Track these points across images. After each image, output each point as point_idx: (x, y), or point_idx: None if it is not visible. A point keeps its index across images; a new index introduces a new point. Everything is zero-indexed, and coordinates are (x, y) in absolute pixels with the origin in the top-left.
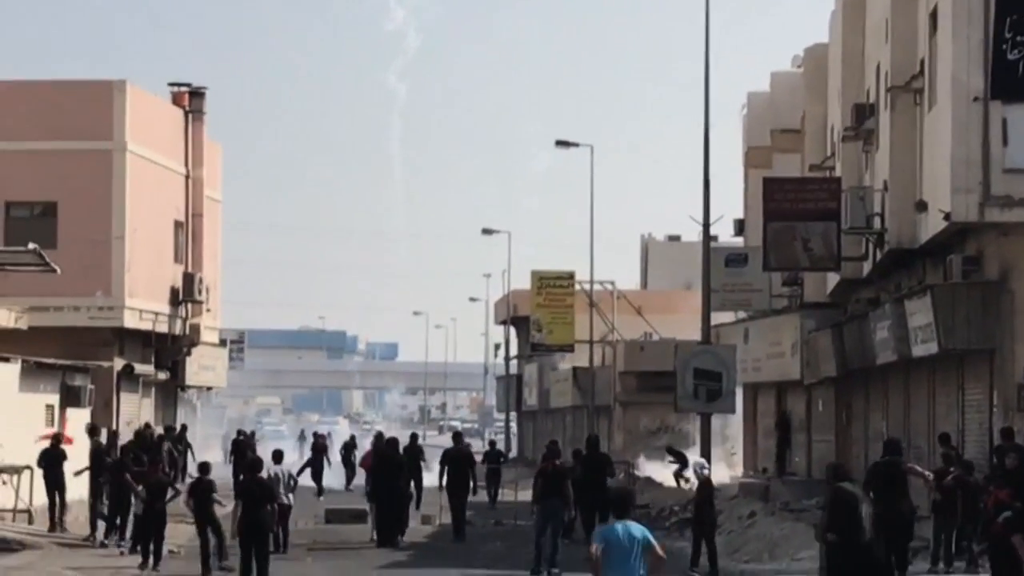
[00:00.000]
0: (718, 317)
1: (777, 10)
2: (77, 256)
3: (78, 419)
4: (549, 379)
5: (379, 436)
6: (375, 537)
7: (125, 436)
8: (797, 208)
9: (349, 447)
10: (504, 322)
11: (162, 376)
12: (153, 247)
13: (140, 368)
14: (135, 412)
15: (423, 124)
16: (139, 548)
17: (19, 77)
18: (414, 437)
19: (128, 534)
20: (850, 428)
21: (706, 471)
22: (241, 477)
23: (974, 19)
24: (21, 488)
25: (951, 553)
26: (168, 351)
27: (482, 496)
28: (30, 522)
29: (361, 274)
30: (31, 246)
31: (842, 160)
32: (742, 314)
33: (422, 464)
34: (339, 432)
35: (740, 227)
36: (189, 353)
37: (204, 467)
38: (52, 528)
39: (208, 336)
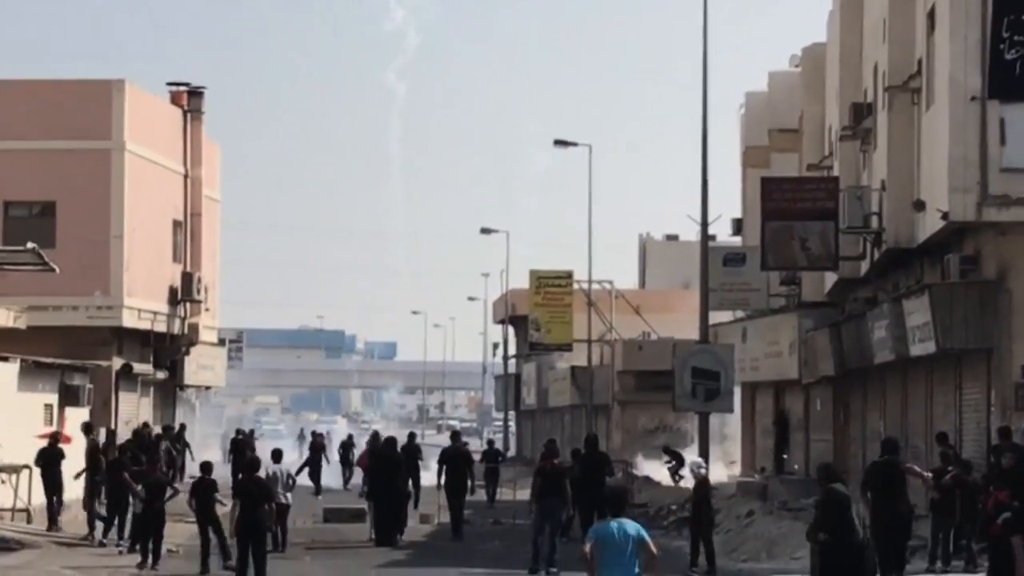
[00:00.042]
0: (716, 316)
1: (775, 10)
2: (76, 255)
3: (77, 418)
4: (547, 378)
5: (375, 435)
6: (373, 536)
7: (123, 435)
8: (795, 208)
9: (347, 446)
10: (502, 321)
11: (161, 375)
12: (152, 246)
13: (139, 367)
14: (134, 411)
15: (422, 124)
16: (138, 547)
17: (18, 76)
18: (412, 436)
19: (127, 533)
20: (848, 427)
21: (703, 470)
22: (240, 476)
23: (972, 19)
24: (20, 487)
25: (948, 552)
26: (167, 350)
27: (480, 495)
28: (29, 521)
29: (360, 273)
30: (30, 245)
31: (840, 160)
32: (740, 313)
33: (420, 463)
34: (338, 431)
35: (738, 226)
36: (188, 352)
37: (206, 466)
38: (49, 527)
39: (207, 335)
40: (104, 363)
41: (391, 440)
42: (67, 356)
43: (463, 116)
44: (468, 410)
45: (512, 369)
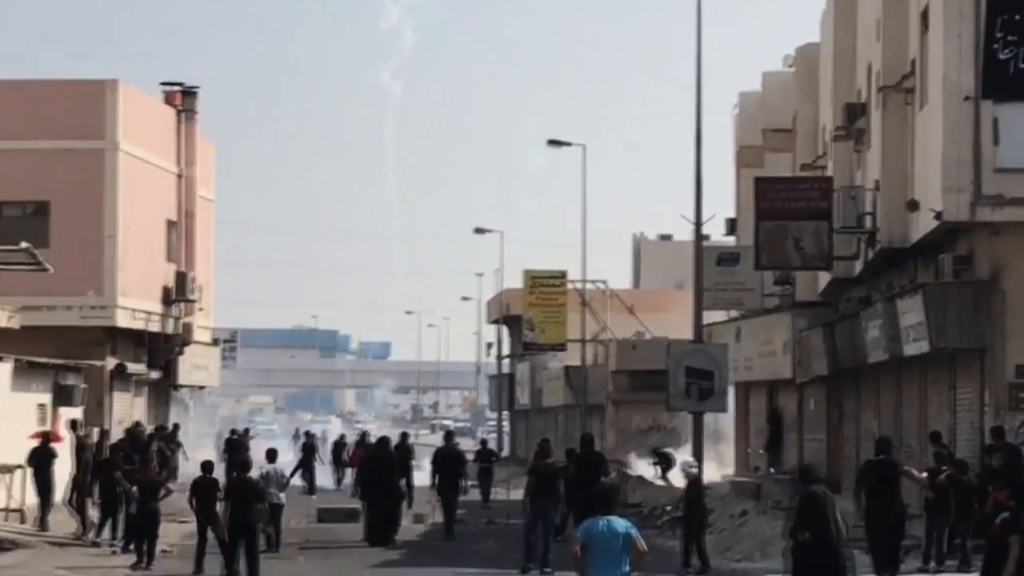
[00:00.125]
0: (710, 316)
1: (768, 10)
2: (69, 255)
3: (70, 418)
4: (541, 378)
5: (364, 435)
6: (367, 536)
7: (117, 436)
8: (789, 207)
9: (339, 446)
10: (497, 321)
11: (155, 375)
12: (145, 246)
13: (132, 367)
14: (127, 411)
15: (416, 123)
16: (132, 547)
17: (11, 76)
18: (404, 436)
19: (120, 533)
20: (841, 427)
21: (694, 470)
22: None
23: (965, 19)
24: (13, 487)
25: (943, 552)
26: (161, 350)
27: (474, 495)
28: (22, 521)
29: (354, 273)
30: (23, 245)
31: (833, 159)
32: (734, 313)
33: (412, 463)
34: (333, 431)
35: (732, 226)
36: (182, 352)
37: (207, 465)
38: (42, 527)
39: (201, 335)
40: (98, 363)
41: (384, 440)
42: (61, 356)
43: (457, 116)
44: (462, 410)
45: (506, 369)
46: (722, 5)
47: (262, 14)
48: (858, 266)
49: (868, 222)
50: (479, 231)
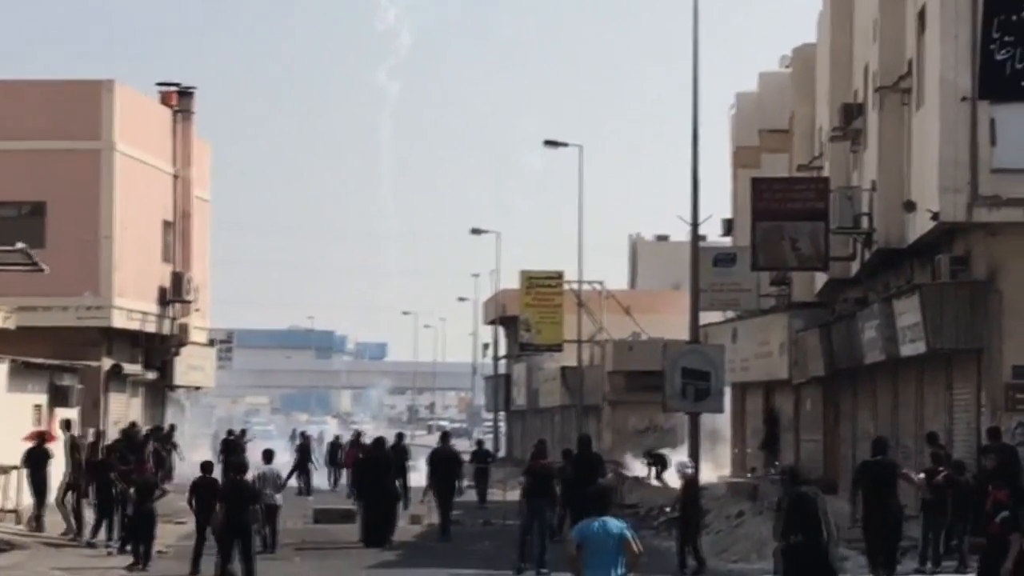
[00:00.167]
0: (706, 317)
1: (765, 11)
2: (65, 256)
3: (76, 421)
4: (538, 379)
5: (358, 435)
6: (363, 537)
7: (113, 436)
8: (785, 208)
9: (335, 447)
10: (493, 322)
11: (151, 376)
12: (142, 247)
13: (128, 368)
14: (123, 412)
15: (413, 124)
16: (129, 548)
17: (7, 77)
18: (400, 437)
19: (116, 534)
20: (838, 428)
21: (690, 470)
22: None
23: (962, 19)
24: (9, 488)
25: (939, 553)
26: (157, 351)
27: (471, 496)
28: (18, 522)
29: (350, 274)
30: (19, 245)
31: (830, 160)
32: (730, 314)
33: (408, 464)
34: (330, 432)
35: (728, 227)
36: (178, 353)
37: (207, 466)
38: (38, 528)
39: (197, 336)
40: (94, 363)
41: (380, 440)
42: (57, 356)
43: (454, 116)
44: (458, 411)
45: (502, 370)
46: (719, 6)
47: (258, 15)
48: (855, 267)
49: (865, 223)
50: (475, 232)
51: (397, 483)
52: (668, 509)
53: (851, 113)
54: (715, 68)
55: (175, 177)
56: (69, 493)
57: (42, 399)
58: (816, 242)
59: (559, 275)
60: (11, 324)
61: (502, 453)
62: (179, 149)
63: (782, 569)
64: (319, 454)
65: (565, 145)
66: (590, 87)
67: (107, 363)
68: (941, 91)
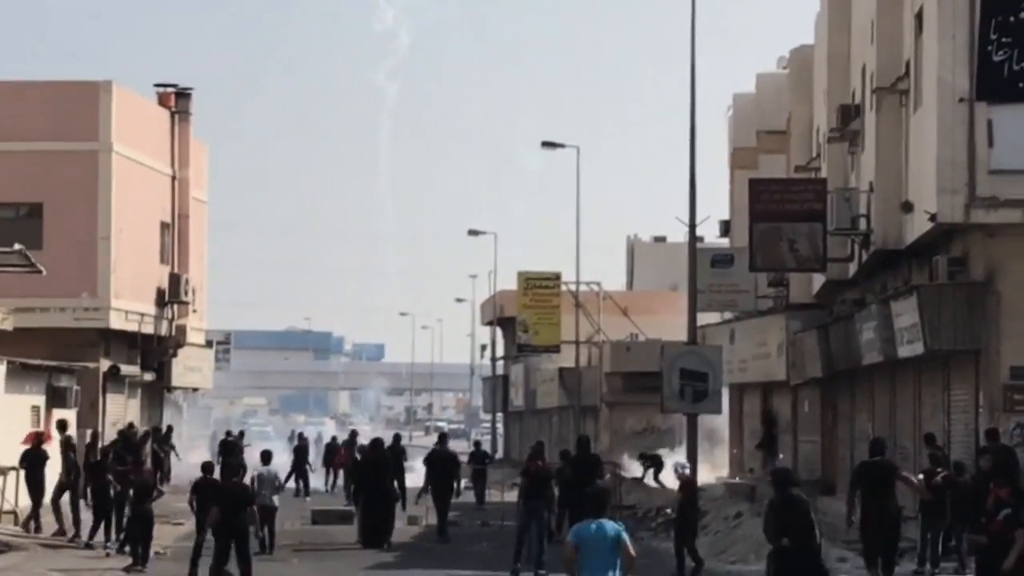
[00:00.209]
0: (704, 318)
1: (762, 12)
2: (63, 257)
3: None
4: (535, 380)
5: (353, 434)
6: (361, 538)
7: (111, 437)
8: (783, 209)
9: (331, 448)
10: (491, 323)
11: (148, 377)
12: (139, 248)
13: (126, 369)
14: (121, 413)
15: (411, 125)
16: (127, 549)
17: (5, 77)
18: (397, 438)
19: (113, 535)
20: (836, 429)
21: (687, 471)
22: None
23: (960, 20)
24: (7, 490)
25: (937, 554)
26: (154, 352)
27: (469, 497)
28: (15, 523)
29: (348, 275)
30: (16, 247)
31: (828, 161)
32: (728, 315)
33: (405, 464)
34: (327, 433)
35: (726, 228)
36: (175, 354)
37: (207, 467)
38: (37, 529)
39: (194, 337)
40: (91, 365)
41: (377, 441)
42: (54, 358)
43: (452, 117)
44: (456, 412)
45: (500, 371)
46: (716, 7)
47: (255, 15)
48: (852, 268)
49: (862, 224)
50: (473, 233)
51: (395, 484)
52: (669, 511)
53: (849, 114)
54: (713, 69)
55: (172, 178)
56: (65, 494)
57: (40, 400)
58: (814, 243)
59: (557, 276)
60: (9, 325)
61: (500, 454)
62: (176, 150)
63: (773, 570)
64: (316, 455)
65: (563, 146)
66: (588, 88)
67: (105, 364)
68: (939, 92)
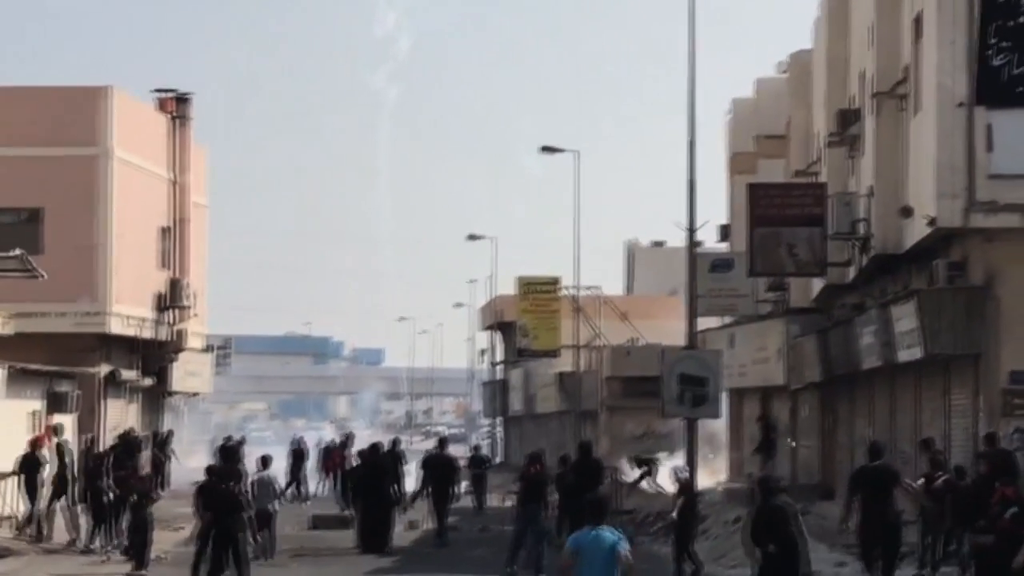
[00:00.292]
0: (703, 322)
1: (762, 16)
2: (63, 262)
3: (63, 425)
4: (534, 384)
5: (348, 437)
6: (360, 543)
7: (110, 443)
8: (782, 214)
9: (328, 452)
10: (490, 327)
11: (148, 382)
12: (139, 253)
13: (126, 374)
14: (121, 418)
15: (410, 129)
16: (129, 554)
17: (5, 83)
18: (395, 442)
19: (112, 539)
20: (835, 433)
21: (685, 475)
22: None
23: (959, 25)
24: (6, 494)
25: (937, 558)
26: (154, 357)
27: (468, 501)
28: (13, 528)
29: (347, 280)
30: (17, 251)
31: (827, 166)
32: (727, 319)
33: (402, 469)
34: (327, 438)
35: (725, 233)
36: (175, 359)
37: (212, 470)
38: (37, 534)
39: (194, 342)
40: (91, 370)
41: (375, 446)
42: (54, 363)
43: (451, 122)
44: (455, 416)
45: (499, 375)
46: (715, 12)
47: (255, 19)
48: (852, 272)
49: (862, 228)
50: (472, 237)
51: (393, 488)
52: (674, 515)
53: (848, 119)
54: (712, 74)
55: (172, 183)
56: (60, 499)
57: (39, 405)
58: (813, 248)
59: (556, 281)
60: (8, 330)
61: (499, 459)
62: (176, 155)
63: None
64: (318, 460)
65: (562, 151)
66: (587, 93)
67: (104, 369)
68: (938, 97)
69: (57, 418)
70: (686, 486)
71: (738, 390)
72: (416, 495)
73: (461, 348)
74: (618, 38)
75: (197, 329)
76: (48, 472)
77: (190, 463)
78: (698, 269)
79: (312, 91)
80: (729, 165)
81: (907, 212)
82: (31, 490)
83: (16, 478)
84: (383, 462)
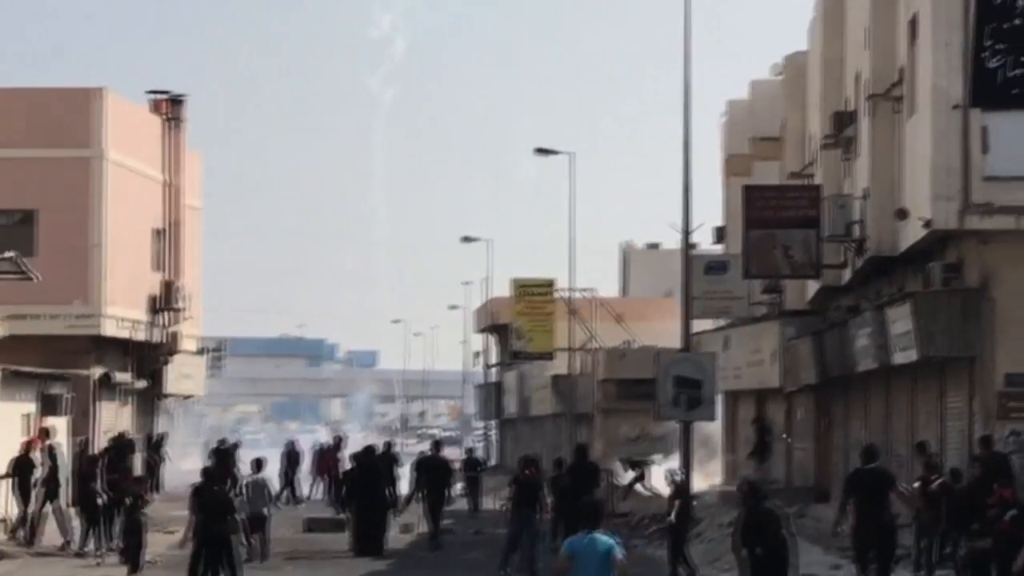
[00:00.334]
0: (698, 324)
1: (757, 18)
2: (56, 264)
3: (56, 428)
4: (529, 387)
5: (339, 440)
6: (354, 546)
7: (103, 445)
8: (777, 216)
9: (320, 454)
10: (484, 330)
11: (141, 384)
12: (132, 255)
13: (119, 376)
14: (114, 421)
15: (405, 132)
16: (125, 557)
17: None
18: (388, 445)
19: (104, 542)
20: (830, 436)
21: (679, 477)
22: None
23: (954, 27)
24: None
25: (932, 561)
26: (147, 359)
27: (462, 504)
28: (4, 531)
29: (341, 282)
30: (9, 254)
31: (822, 168)
32: (722, 322)
33: (396, 472)
34: (322, 440)
35: (720, 235)
36: (168, 361)
37: (207, 472)
38: (33, 539)
39: (188, 344)
40: (84, 372)
41: (369, 449)
42: (47, 365)
43: (446, 125)
44: (449, 419)
45: (493, 378)
46: (710, 14)
47: (251, 22)
48: (847, 274)
49: (857, 230)
50: (467, 239)
51: (388, 491)
52: (672, 518)
53: (843, 121)
54: (706, 76)
55: (166, 185)
56: (51, 501)
57: (32, 408)
58: (808, 250)
59: (550, 283)
60: (1, 332)
61: (493, 462)
62: (170, 157)
63: None
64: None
65: (556, 153)
66: (582, 95)
67: (97, 372)
68: (933, 99)
69: (50, 421)
70: (681, 489)
71: (733, 392)
72: (409, 498)
73: (456, 350)
74: (613, 40)
75: (191, 331)
76: (40, 475)
77: (184, 465)
78: (693, 271)
79: (308, 93)
80: (724, 167)
81: (903, 214)
82: (24, 493)
83: (8, 481)
84: (377, 465)
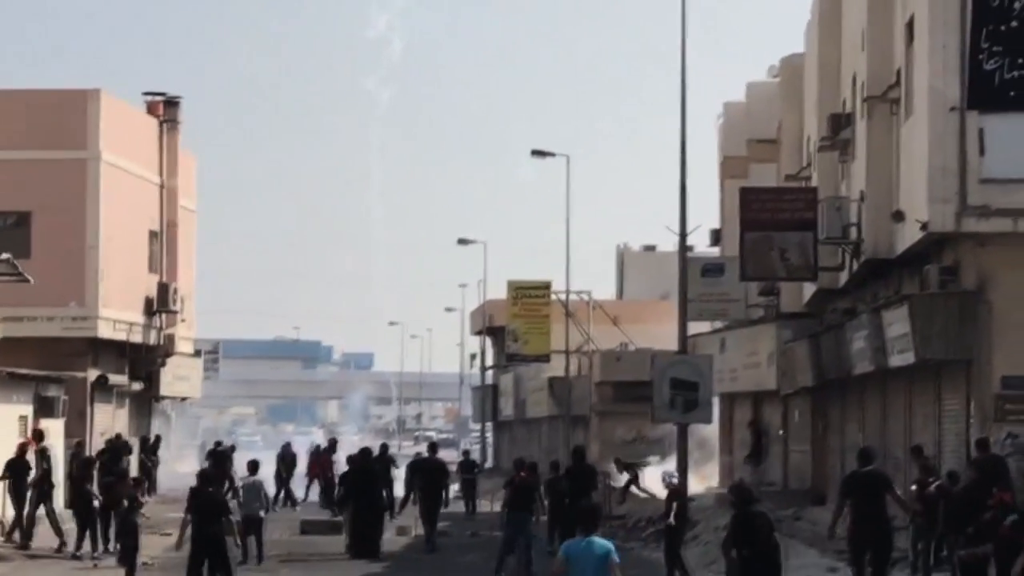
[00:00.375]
0: (694, 327)
1: (753, 20)
2: (51, 266)
3: (51, 430)
4: (525, 389)
5: (333, 442)
6: (350, 548)
7: (99, 447)
8: (774, 218)
9: (315, 456)
10: (480, 332)
11: (137, 387)
12: (128, 257)
13: (114, 379)
14: (109, 423)
15: (400, 134)
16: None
17: None
18: (384, 447)
19: (100, 545)
20: (826, 438)
21: (674, 479)
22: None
23: (951, 29)
24: None
25: (929, 564)
26: (143, 361)
27: (458, 506)
28: (4, 534)
29: (337, 284)
30: (4, 256)
31: (818, 170)
32: (718, 324)
33: (392, 474)
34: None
35: (716, 237)
36: (164, 363)
37: (202, 474)
38: (25, 542)
39: (183, 346)
40: (79, 374)
41: (366, 451)
42: (42, 367)
43: (442, 127)
44: (445, 421)
45: (489, 380)
46: (707, 16)
47: (249, 23)
48: (843, 277)
49: (853, 233)
50: (463, 242)
51: (383, 493)
52: (671, 520)
53: (839, 123)
54: (703, 78)
55: (161, 187)
56: (44, 504)
57: (27, 410)
58: (805, 252)
59: (546, 285)
60: None
61: (490, 464)
62: (165, 159)
63: None
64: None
65: (553, 155)
66: (578, 97)
67: (93, 374)
68: (930, 101)
69: (45, 423)
70: (677, 491)
71: (729, 395)
72: (404, 500)
73: (452, 353)
74: (610, 43)
75: (186, 333)
76: (33, 477)
77: (180, 468)
78: (689, 273)
79: (304, 94)
80: (720, 169)
81: (899, 217)
82: (18, 495)
83: (2, 483)
84: (374, 467)
